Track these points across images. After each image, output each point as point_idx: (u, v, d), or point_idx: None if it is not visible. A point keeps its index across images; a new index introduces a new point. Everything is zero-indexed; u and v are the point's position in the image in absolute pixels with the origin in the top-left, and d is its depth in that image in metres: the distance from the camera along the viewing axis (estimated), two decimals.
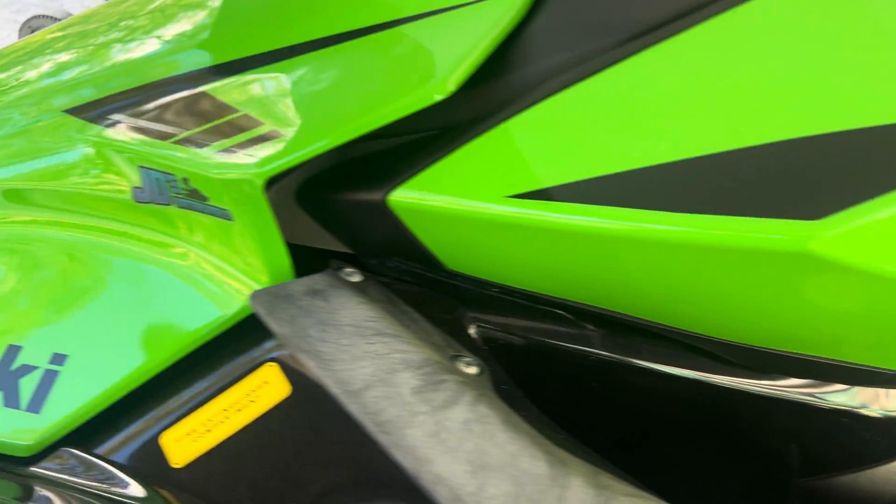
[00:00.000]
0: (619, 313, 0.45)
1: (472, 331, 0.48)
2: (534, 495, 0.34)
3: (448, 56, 0.41)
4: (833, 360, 0.44)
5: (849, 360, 0.44)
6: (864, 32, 0.33)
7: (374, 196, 0.41)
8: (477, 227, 0.40)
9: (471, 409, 0.37)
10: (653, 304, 0.42)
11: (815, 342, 0.42)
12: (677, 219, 0.34)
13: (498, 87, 0.41)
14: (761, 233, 0.32)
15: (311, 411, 0.43)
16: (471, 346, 0.45)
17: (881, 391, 0.49)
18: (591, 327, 0.48)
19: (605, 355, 0.49)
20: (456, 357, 0.42)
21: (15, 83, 0.60)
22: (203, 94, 0.47)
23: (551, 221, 0.37)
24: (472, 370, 0.42)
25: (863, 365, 0.44)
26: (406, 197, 0.41)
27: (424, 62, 0.41)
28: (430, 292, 0.48)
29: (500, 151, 0.39)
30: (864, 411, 0.49)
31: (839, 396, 0.49)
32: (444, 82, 0.40)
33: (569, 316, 0.48)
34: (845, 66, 0.33)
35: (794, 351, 0.44)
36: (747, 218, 0.33)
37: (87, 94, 0.53)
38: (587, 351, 0.48)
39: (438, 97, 0.39)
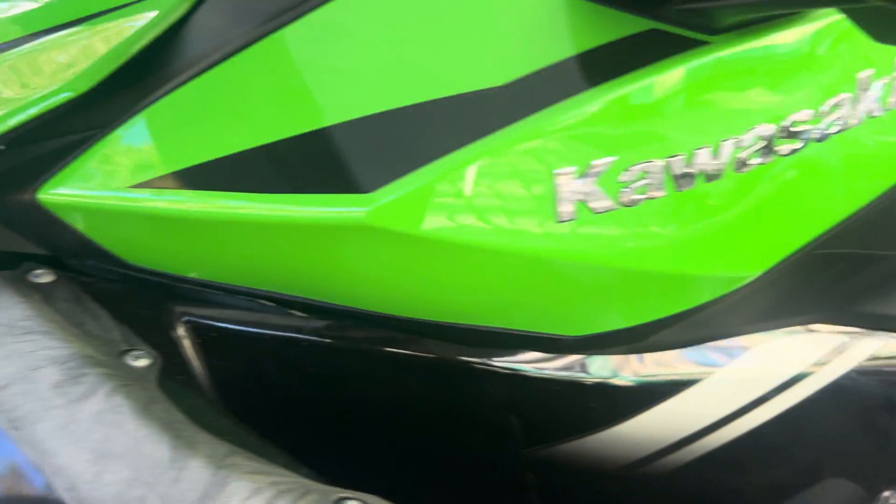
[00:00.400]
0: (311, 299, 0.46)
1: (179, 326, 0.49)
2: (150, 479, 0.35)
3: (97, 55, 0.41)
4: (514, 329, 0.46)
5: (529, 329, 0.46)
6: (422, 18, 0.35)
7: (27, 196, 0.42)
8: (119, 218, 0.40)
9: (106, 400, 0.38)
10: (318, 287, 0.43)
11: (474, 314, 0.44)
12: (263, 199, 0.35)
13: (147, 81, 0.41)
14: (328, 206, 0.34)
15: None
16: (158, 341, 0.45)
17: (583, 358, 0.51)
18: (300, 315, 0.49)
19: (318, 341, 0.50)
20: (126, 351, 0.43)
21: None
22: None
23: (165, 209, 0.38)
24: (141, 363, 0.42)
25: (542, 333, 0.46)
26: (54, 193, 0.41)
27: (74, 62, 0.42)
28: (133, 289, 0.48)
29: (131, 142, 0.40)
30: (570, 379, 0.51)
31: (543, 366, 0.50)
32: (86, 79, 0.40)
33: (272, 305, 0.48)
34: (398, 50, 0.35)
35: (472, 323, 0.45)
36: (318, 194, 0.34)
37: None
38: (298, 338, 0.49)
39: (78, 92, 0.40)
